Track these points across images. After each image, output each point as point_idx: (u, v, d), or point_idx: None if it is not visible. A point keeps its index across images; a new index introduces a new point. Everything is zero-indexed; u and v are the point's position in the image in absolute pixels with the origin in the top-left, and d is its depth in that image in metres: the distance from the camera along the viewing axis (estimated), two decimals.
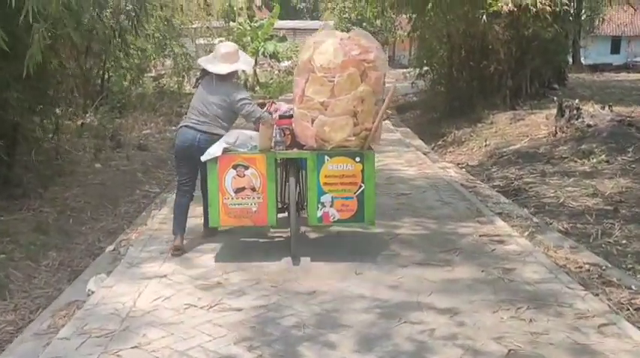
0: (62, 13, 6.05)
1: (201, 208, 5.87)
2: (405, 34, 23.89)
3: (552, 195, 7.74)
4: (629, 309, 4.25)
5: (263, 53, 29.20)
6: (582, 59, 31.21)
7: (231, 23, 28.06)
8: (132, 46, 14.93)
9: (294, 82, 5.30)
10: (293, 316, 4.10)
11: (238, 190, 5.15)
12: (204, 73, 5.63)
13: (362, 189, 5.11)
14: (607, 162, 8.97)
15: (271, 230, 6.04)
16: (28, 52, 5.78)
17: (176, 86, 19.79)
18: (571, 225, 6.49)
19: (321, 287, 4.60)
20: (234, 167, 5.13)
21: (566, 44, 17.30)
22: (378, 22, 30.78)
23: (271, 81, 28.25)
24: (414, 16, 17.02)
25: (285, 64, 30.29)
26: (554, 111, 11.59)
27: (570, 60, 21.72)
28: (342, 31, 6.39)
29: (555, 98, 13.30)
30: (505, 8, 13.30)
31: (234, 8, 27.65)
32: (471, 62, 15.80)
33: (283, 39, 31.61)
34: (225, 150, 5.17)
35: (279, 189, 5.69)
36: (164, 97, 18.14)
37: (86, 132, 11.44)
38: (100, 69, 14.46)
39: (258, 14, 31.22)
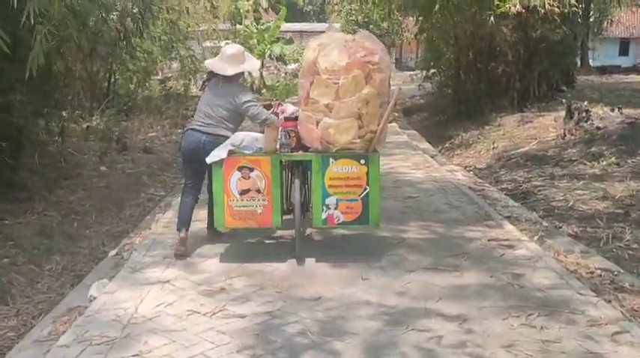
0: (65, 14, 6.00)
1: (205, 212, 5.85)
2: (412, 36, 23.80)
3: (561, 198, 7.64)
4: None
5: (269, 56, 29.21)
6: (590, 61, 31.06)
7: (238, 26, 28.11)
8: (138, 49, 14.92)
9: (299, 84, 5.30)
10: (297, 323, 4.01)
11: (243, 192, 5.16)
12: (211, 75, 5.65)
13: (367, 191, 5.11)
14: (617, 164, 8.86)
15: (276, 232, 6.02)
16: (31, 54, 5.73)
17: (182, 89, 19.80)
18: (581, 228, 6.39)
19: (326, 293, 4.52)
20: (240, 169, 5.14)
21: (575, 46, 17.18)
22: (385, 24, 30.74)
23: (278, 83, 28.25)
24: (420, 18, 16.94)
25: (292, 66, 30.28)
26: (563, 113, 11.50)
27: (578, 62, 21.59)
28: (349, 33, 6.34)
29: (564, 100, 13.19)
30: (513, 10, 13.17)
31: (241, 11, 27.68)
32: (479, 64, 15.74)
33: (290, 41, 31.63)
34: (231, 152, 5.17)
35: (285, 191, 5.68)
36: (170, 100, 18.16)
37: (92, 135, 11.42)
38: (106, 72, 14.44)
39: (265, 17, 31.18)
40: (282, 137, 5.20)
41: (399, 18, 24.94)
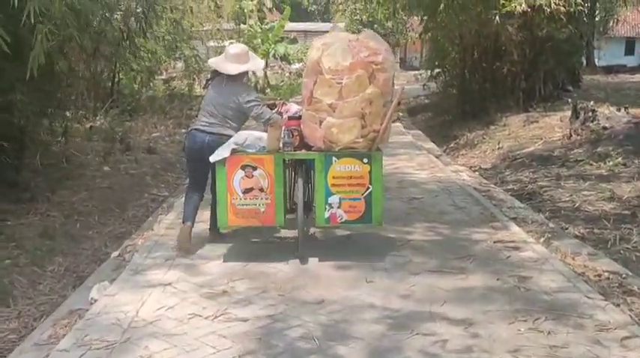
0: (66, 13, 5.95)
1: (208, 213, 5.82)
2: (417, 35, 23.73)
3: (568, 199, 7.57)
4: None
5: (274, 55, 29.16)
6: (596, 61, 30.92)
7: (242, 25, 28.07)
8: (142, 49, 14.91)
9: (302, 83, 5.29)
10: (300, 327, 3.94)
11: (246, 191, 5.17)
12: (215, 74, 5.66)
13: (370, 190, 5.11)
14: (624, 165, 8.78)
15: (279, 232, 6.00)
16: (32, 53, 5.69)
17: (187, 89, 19.79)
18: (587, 230, 6.32)
19: (330, 296, 4.45)
20: (243, 168, 5.16)
21: (581, 45, 17.07)
22: (390, 23, 30.69)
23: (282, 83, 28.19)
24: (425, 17, 16.88)
25: (296, 66, 30.17)
26: (569, 113, 11.44)
27: (584, 61, 21.48)
28: (353, 32, 6.31)
29: (569, 100, 13.11)
30: (518, 9, 13.11)
31: (245, 10, 27.65)
32: (484, 64, 15.66)
33: (294, 41, 31.56)
34: (234, 151, 5.18)
35: (288, 190, 5.68)
36: (174, 100, 18.16)
37: (96, 135, 11.40)
38: (110, 71, 14.42)
39: (269, 16, 31.13)
40: (286, 136, 5.20)
41: (404, 17, 24.83)
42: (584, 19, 15.95)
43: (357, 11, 32.91)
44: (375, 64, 5.05)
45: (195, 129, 5.51)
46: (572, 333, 3.82)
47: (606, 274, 4.90)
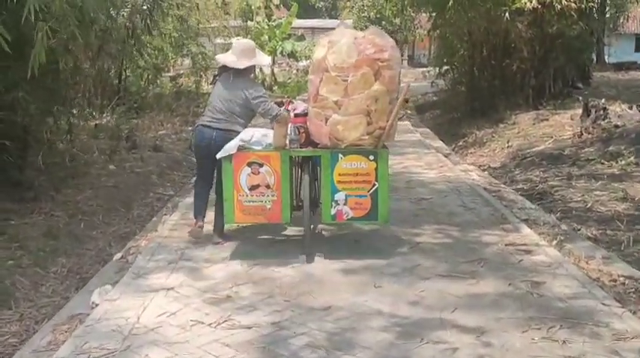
0: (66, 11, 5.87)
1: (212, 214, 5.75)
2: (425, 32, 23.60)
3: (579, 199, 7.44)
4: None
5: (281, 52, 29.10)
6: (606, 57, 30.66)
7: (249, 22, 28.01)
8: (149, 46, 14.85)
9: (308, 80, 5.33)
10: (306, 335, 3.81)
11: (253, 187, 5.21)
12: (222, 70, 5.72)
13: (376, 187, 5.14)
14: (636, 164, 8.64)
15: (285, 230, 5.99)
16: (33, 51, 5.62)
17: (194, 86, 19.73)
18: (600, 231, 6.19)
19: (336, 302, 4.32)
20: (249, 164, 5.19)
21: (591, 42, 16.91)
22: (397, 20, 30.61)
23: (289, 80, 28.12)
24: (434, 14, 16.76)
25: (303, 63, 30.04)
26: (579, 111, 11.31)
27: (594, 58, 21.29)
28: (361, 29, 6.25)
29: (580, 98, 12.98)
30: (528, 5, 12.98)
31: (252, 7, 27.56)
32: (493, 61, 15.53)
33: (301, 38, 31.47)
34: (240, 148, 5.22)
35: (295, 187, 5.69)
36: (181, 97, 18.11)
37: (102, 133, 11.32)
38: (117, 69, 14.34)
39: (276, 13, 31.04)
40: (292, 133, 5.24)
41: (412, 14, 24.73)
42: (595, 15, 15.77)
43: (365, 8, 32.87)
44: (380, 61, 5.06)
45: (202, 124, 5.57)
46: (589, 343, 3.67)
47: (622, 279, 4.76)
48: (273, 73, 27.27)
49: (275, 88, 25.52)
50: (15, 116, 7.25)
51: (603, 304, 4.22)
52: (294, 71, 30.52)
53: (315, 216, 5.71)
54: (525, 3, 13.00)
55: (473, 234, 5.97)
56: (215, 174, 5.66)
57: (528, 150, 10.59)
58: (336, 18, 43.34)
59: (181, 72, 20.78)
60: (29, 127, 7.76)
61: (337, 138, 5.09)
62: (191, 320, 4.04)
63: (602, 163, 8.93)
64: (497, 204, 7.22)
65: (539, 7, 13.15)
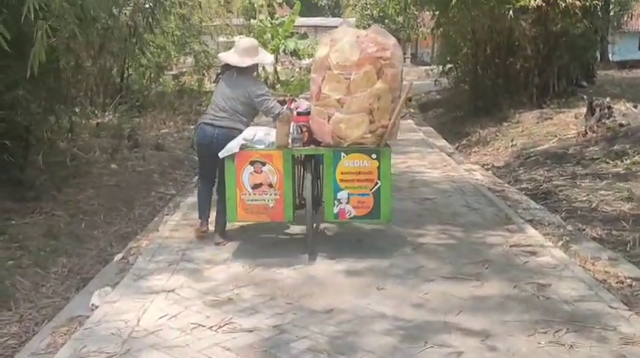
0: (66, 9, 5.83)
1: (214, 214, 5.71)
2: (428, 30, 23.55)
3: (584, 198, 7.37)
4: None
5: (284, 51, 29.00)
6: (610, 56, 30.54)
7: (252, 20, 27.92)
8: (151, 44, 14.80)
9: (311, 79, 5.31)
10: (307, 339, 3.75)
11: (255, 186, 5.21)
12: (225, 68, 5.72)
13: (378, 186, 5.14)
14: None
15: (288, 228, 5.98)
16: (32, 50, 5.58)
17: (196, 84, 19.68)
18: (606, 231, 6.13)
19: (339, 305, 4.26)
20: (252, 163, 5.19)
21: (595, 40, 16.83)
22: (400, 18, 30.47)
23: (292, 79, 28.05)
24: (437, 12, 16.71)
25: (306, 61, 29.96)
26: (584, 109, 11.25)
27: (598, 56, 21.21)
28: (364, 28, 6.24)
29: (584, 96, 12.90)
30: (533, 3, 12.92)
31: (255, 5, 27.48)
32: (497, 59, 15.50)
33: (304, 36, 31.33)
34: (243, 147, 5.22)
35: (298, 185, 5.67)
36: (184, 96, 18.08)
37: (104, 132, 11.28)
38: (119, 67, 14.30)
39: (279, 11, 30.93)
40: (294, 132, 5.24)
41: (415, 12, 24.65)
42: (599, 13, 15.70)
43: (368, 6, 32.77)
44: (383, 60, 5.06)
45: (204, 122, 5.56)
46: (596, 347, 3.60)
47: (629, 281, 4.68)
48: (275, 72, 27.21)
49: (278, 86, 25.44)
50: (16, 115, 7.21)
51: (610, 307, 4.15)
52: (297, 69, 30.44)
53: (317, 214, 5.71)
54: (529, 1, 12.95)
55: (477, 234, 5.90)
56: (217, 174, 5.63)
57: (532, 149, 10.53)
58: (339, 16, 43.27)
59: (184, 70, 20.74)
60: (30, 126, 7.73)
61: (340, 137, 5.09)
62: (192, 323, 3.98)
63: (607, 162, 8.86)
64: (501, 204, 7.14)
65: (544, 5, 13.11)
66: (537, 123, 12.48)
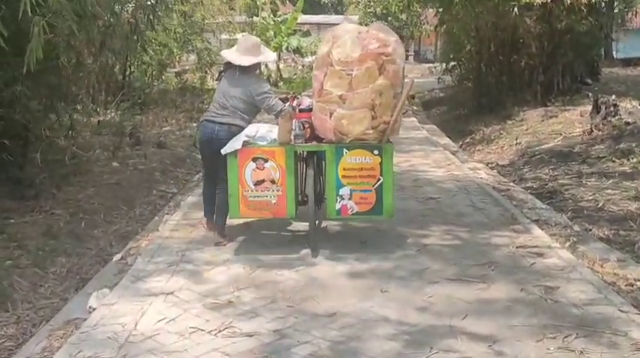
0: (63, 5, 5.74)
1: None
2: (432, 28, 23.44)
3: (590, 198, 7.29)
4: None
5: (286, 48, 28.94)
6: (614, 53, 30.40)
7: (254, 18, 27.84)
8: (154, 42, 14.72)
9: (313, 76, 5.33)
10: (309, 344, 3.64)
11: (258, 183, 5.23)
12: (227, 66, 5.71)
13: (380, 182, 5.15)
14: None
15: (290, 225, 5.97)
16: (29, 46, 5.50)
17: (199, 82, 19.62)
18: (613, 231, 6.05)
19: (341, 308, 4.15)
20: (254, 160, 5.21)
21: (600, 38, 16.70)
22: (404, 16, 30.32)
23: (295, 76, 28.00)
24: (440, 9, 16.61)
25: (309, 59, 29.88)
26: (589, 107, 11.17)
27: (603, 54, 21.09)
28: (367, 25, 6.19)
29: (590, 94, 12.79)
30: (538, 0, 12.78)
31: (257, 3, 27.40)
32: (501, 57, 15.41)
33: (307, 34, 31.23)
34: (245, 143, 5.23)
35: (300, 182, 5.64)
36: (186, 93, 18.02)
37: (105, 130, 11.20)
38: (121, 65, 14.21)
39: (282, 9, 30.88)
40: (297, 128, 5.24)
41: (418, 9, 24.50)
42: (604, 10, 15.58)
43: (371, 3, 32.56)
44: (384, 56, 5.07)
45: (206, 119, 5.57)
46: (607, 353, 3.49)
47: (638, 283, 4.58)
48: (278, 69, 27.13)
49: (280, 83, 25.39)
50: (15, 113, 7.13)
51: (621, 311, 4.03)
52: (300, 67, 30.37)
53: (320, 210, 5.71)
54: None
55: (482, 235, 5.79)
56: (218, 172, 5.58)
57: (537, 148, 10.45)
58: (342, 14, 43.08)
59: (186, 68, 20.66)
60: (30, 124, 7.64)
61: (342, 133, 5.10)
62: (190, 327, 3.88)
63: (613, 161, 8.77)
64: (506, 203, 7.02)
65: (548, 1, 12.98)
66: (542, 121, 12.39)
